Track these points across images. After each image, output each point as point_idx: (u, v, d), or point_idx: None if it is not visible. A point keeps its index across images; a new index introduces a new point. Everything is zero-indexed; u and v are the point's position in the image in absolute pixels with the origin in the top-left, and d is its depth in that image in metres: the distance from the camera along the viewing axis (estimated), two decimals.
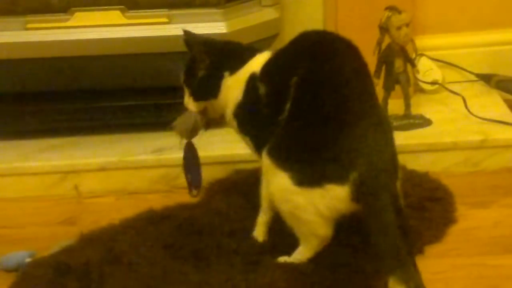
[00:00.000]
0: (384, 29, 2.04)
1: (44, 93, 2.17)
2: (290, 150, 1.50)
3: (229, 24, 2.10)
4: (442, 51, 2.42)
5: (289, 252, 1.57)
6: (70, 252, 1.65)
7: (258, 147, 1.60)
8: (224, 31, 2.08)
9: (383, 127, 1.50)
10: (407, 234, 1.44)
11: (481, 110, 2.14)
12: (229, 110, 1.65)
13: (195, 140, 1.73)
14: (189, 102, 1.69)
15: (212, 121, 1.72)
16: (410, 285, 1.35)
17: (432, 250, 1.67)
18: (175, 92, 1.71)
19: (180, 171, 1.84)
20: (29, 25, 2.09)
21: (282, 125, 1.51)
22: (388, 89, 2.09)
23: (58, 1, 2.09)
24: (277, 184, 1.52)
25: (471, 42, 2.43)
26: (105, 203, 1.99)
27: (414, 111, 2.15)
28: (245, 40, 1.92)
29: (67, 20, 2.09)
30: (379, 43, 2.05)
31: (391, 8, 2.04)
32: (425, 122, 2.13)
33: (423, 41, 2.32)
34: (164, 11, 2.09)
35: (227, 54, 1.67)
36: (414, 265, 1.42)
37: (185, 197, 1.82)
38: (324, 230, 1.52)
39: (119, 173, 2.03)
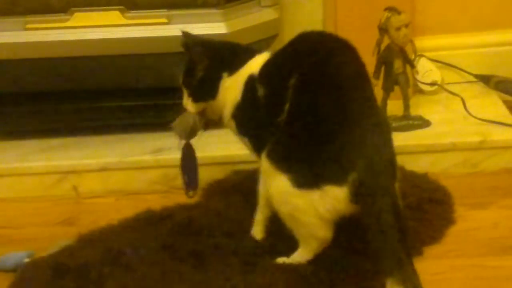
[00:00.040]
0: (383, 29, 2.04)
1: (43, 94, 2.17)
2: (289, 152, 1.50)
3: (229, 25, 2.10)
4: (441, 52, 2.43)
5: (287, 253, 1.57)
6: (69, 252, 1.65)
7: (257, 148, 1.60)
8: (224, 31, 2.08)
9: (382, 128, 1.50)
10: (405, 235, 1.44)
11: (480, 111, 2.14)
12: (227, 111, 1.65)
13: (194, 141, 1.73)
14: (188, 103, 1.68)
15: (211, 122, 1.72)
16: (408, 286, 1.35)
17: (431, 251, 1.67)
18: (175, 92, 1.71)
19: (179, 171, 1.84)
20: (29, 25, 2.09)
21: (281, 126, 1.51)
22: (387, 90, 2.09)
23: (58, 1, 2.10)
24: (277, 186, 1.52)
25: (470, 43, 2.43)
26: (104, 203, 1.99)
27: (413, 112, 2.14)
28: (244, 40, 1.92)
29: (66, 20, 2.09)
30: (379, 44, 2.05)
31: (391, 9, 2.04)
32: (424, 123, 2.13)
33: (422, 42, 2.32)
34: (164, 12, 2.10)
35: (225, 55, 1.67)
36: (412, 266, 1.41)
37: (184, 197, 1.81)
38: (324, 232, 1.52)
39: (118, 174, 2.03)
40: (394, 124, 2.06)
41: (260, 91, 1.57)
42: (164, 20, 2.09)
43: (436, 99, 2.32)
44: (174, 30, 1.96)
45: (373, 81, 2.00)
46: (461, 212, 1.81)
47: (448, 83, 2.37)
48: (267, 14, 2.21)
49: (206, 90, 1.66)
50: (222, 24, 2.09)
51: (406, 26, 2.04)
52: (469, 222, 1.79)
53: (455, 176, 2.00)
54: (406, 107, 2.13)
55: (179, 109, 1.70)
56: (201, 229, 1.70)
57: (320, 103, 1.48)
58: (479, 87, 2.38)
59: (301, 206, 1.49)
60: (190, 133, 1.70)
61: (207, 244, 1.64)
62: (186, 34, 1.70)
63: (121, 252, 1.62)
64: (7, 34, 2.09)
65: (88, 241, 1.70)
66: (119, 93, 2.17)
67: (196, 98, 1.68)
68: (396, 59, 2.07)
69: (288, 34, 1.63)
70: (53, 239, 1.75)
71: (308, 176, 1.47)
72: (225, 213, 1.77)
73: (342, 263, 1.55)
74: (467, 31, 2.43)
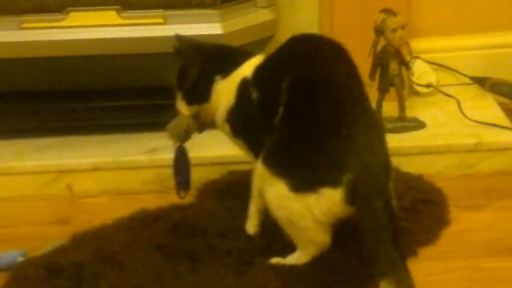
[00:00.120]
0: (379, 31, 2.04)
1: (38, 93, 2.17)
2: (284, 157, 1.50)
3: (225, 25, 2.10)
4: (437, 54, 2.43)
5: (282, 253, 1.57)
6: (63, 252, 1.65)
7: (252, 149, 1.60)
8: (220, 32, 2.08)
9: (376, 129, 1.50)
10: (399, 236, 1.44)
11: (476, 113, 2.15)
12: (221, 114, 1.64)
13: (188, 143, 1.73)
14: (181, 106, 1.68)
15: (206, 125, 1.72)
16: None
17: (425, 253, 1.67)
18: (170, 92, 1.70)
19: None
20: (25, 25, 2.09)
21: (276, 129, 1.51)
22: (383, 91, 2.09)
23: (54, 1, 2.09)
24: (273, 191, 1.52)
25: (466, 45, 2.44)
26: (99, 203, 1.99)
27: (409, 113, 2.15)
28: (240, 41, 1.92)
29: (62, 20, 2.09)
30: (374, 45, 2.05)
31: (387, 11, 2.04)
32: (419, 124, 2.13)
33: (418, 44, 2.32)
34: (160, 12, 2.09)
35: (218, 58, 1.67)
36: (406, 267, 1.41)
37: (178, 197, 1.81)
38: (322, 237, 1.52)
39: (113, 173, 2.03)
40: (389, 126, 2.06)
41: (254, 94, 1.57)
42: (160, 20, 2.09)
43: (431, 101, 2.32)
44: (170, 30, 1.96)
45: (368, 82, 2.01)
46: (456, 214, 1.81)
47: (444, 85, 2.37)
48: (263, 15, 2.21)
49: (199, 93, 1.66)
50: (218, 25, 2.09)
51: (402, 28, 2.04)
52: (463, 223, 1.79)
53: (450, 177, 2.00)
54: (402, 108, 2.13)
55: (174, 109, 1.70)
56: (196, 229, 1.70)
57: (313, 106, 1.48)
58: (474, 89, 2.39)
59: (297, 211, 1.49)
60: (184, 135, 1.70)
61: (201, 244, 1.64)
62: (178, 38, 1.70)
63: (115, 251, 1.61)
64: (3, 34, 2.09)
65: (82, 240, 1.70)
66: (114, 93, 2.16)
67: (189, 101, 1.67)
68: (391, 60, 2.07)
69: (284, 35, 1.62)
70: (47, 238, 1.75)
71: (303, 179, 1.47)
72: (220, 213, 1.77)
73: (336, 263, 1.55)
74: (463, 33, 2.44)
